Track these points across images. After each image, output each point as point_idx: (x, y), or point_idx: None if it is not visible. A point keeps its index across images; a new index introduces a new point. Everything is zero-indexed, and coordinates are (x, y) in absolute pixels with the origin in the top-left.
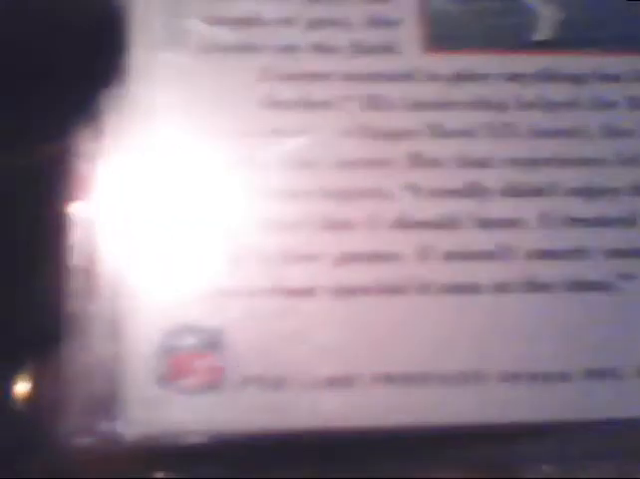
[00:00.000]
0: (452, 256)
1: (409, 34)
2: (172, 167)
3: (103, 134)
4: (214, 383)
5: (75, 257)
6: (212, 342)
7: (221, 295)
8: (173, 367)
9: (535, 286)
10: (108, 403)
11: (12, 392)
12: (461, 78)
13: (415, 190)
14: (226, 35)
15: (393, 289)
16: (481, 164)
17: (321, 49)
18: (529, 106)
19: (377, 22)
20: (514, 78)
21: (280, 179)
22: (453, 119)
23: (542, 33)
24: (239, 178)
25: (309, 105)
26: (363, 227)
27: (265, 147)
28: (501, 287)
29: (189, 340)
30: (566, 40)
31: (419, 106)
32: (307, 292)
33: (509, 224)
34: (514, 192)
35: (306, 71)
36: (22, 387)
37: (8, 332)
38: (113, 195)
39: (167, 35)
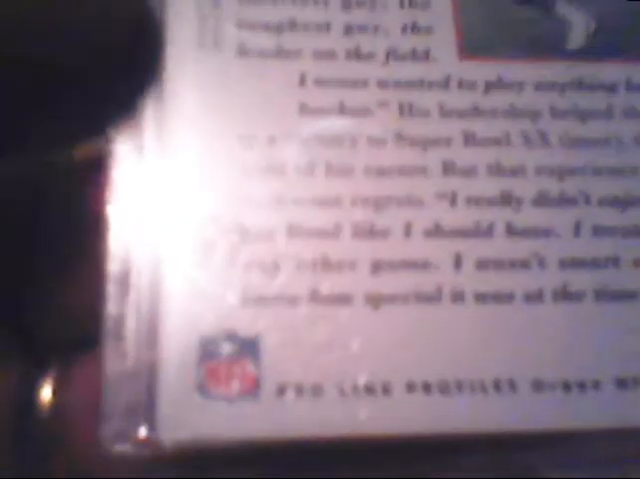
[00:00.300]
0: (485, 265)
1: (444, 41)
2: (208, 170)
3: (140, 136)
4: (250, 390)
5: (112, 263)
6: (249, 350)
7: (258, 303)
8: (210, 374)
9: (567, 295)
10: (144, 409)
11: (49, 397)
12: (495, 86)
13: (449, 198)
14: (262, 40)
15: (427, 298)
16: (515, 172)
17: (357, 55)
18: (563, 114)
19: (413, 29)
20: (548, 86)
21: (315, 186)
22: (486, 127)
23: (575, 42)
24: (275, 184)
25: (344, 111)
26: (398, 234)
27: (300, 152)
28: (534, 296)
29: (226, 348)
30: (599, 49)
31: (453, 113)
32: (343, 300)
33: (542, 232)
34: (547, 200)
35: (342, 77)
36: (59, 392)
37: (45, 337)
38: (149, 198)
39: (203, 39)
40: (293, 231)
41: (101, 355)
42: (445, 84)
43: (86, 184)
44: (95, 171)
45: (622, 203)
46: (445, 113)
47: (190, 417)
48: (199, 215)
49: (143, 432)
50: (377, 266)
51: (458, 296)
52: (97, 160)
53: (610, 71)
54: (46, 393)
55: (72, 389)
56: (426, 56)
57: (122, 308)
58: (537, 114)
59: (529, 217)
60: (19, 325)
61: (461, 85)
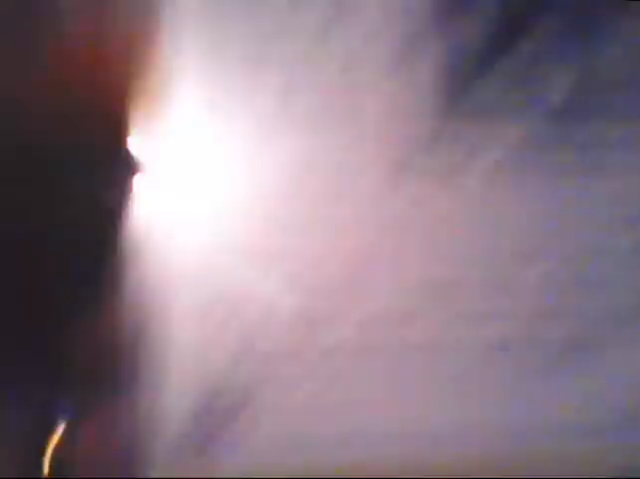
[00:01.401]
0: (462, 316)
1: (432, 101)
2: (217, 226)
3: (155, 182)
4: (246, 438)
5: (125, 322)
6: (244, 402)
7: (253, 358)
8: (208, 424)
9: (536, 343)
10: (151, 454)
11: (62, 441)
12: (479, 143)
13: (431, 256)
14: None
15: (413, 347)
16: (492, 231)
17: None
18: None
19: (403, 89)
20: (531, 144)
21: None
22: (472, 183)
23: (555, 102)
24: (269, 243)
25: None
26: (383, 290)
27: (299, 211)
28: (508, 344)
29: (222, 400)
30: (579, 110)
31: (441, 170)
32: (329, 355)
33: (513, 286)
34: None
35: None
36: (72, 436)
37: (62, 385)
38: (160, 262)
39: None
40: (287, 288)
41: (114, 405)
42: (433, 141)
43: (104, 241)
44: (110, 229)
45: (588, 257)
46: (433, 169)
47: (192, 463)
48: (202, 278)
49: (151, 475)
50: (363, 321)
51: (437, 345)
52: (112, 219)
53: (588, 130)
54: (59, 437)
55: (84, 434)
56: (416, 115)
57: (127, 361)
58: (521, 170)
59: (503, 271)
60: (35, 375)
61: (448, 142)
